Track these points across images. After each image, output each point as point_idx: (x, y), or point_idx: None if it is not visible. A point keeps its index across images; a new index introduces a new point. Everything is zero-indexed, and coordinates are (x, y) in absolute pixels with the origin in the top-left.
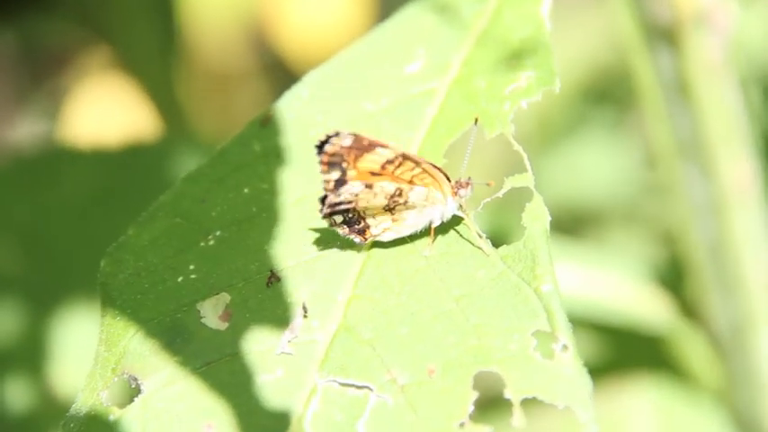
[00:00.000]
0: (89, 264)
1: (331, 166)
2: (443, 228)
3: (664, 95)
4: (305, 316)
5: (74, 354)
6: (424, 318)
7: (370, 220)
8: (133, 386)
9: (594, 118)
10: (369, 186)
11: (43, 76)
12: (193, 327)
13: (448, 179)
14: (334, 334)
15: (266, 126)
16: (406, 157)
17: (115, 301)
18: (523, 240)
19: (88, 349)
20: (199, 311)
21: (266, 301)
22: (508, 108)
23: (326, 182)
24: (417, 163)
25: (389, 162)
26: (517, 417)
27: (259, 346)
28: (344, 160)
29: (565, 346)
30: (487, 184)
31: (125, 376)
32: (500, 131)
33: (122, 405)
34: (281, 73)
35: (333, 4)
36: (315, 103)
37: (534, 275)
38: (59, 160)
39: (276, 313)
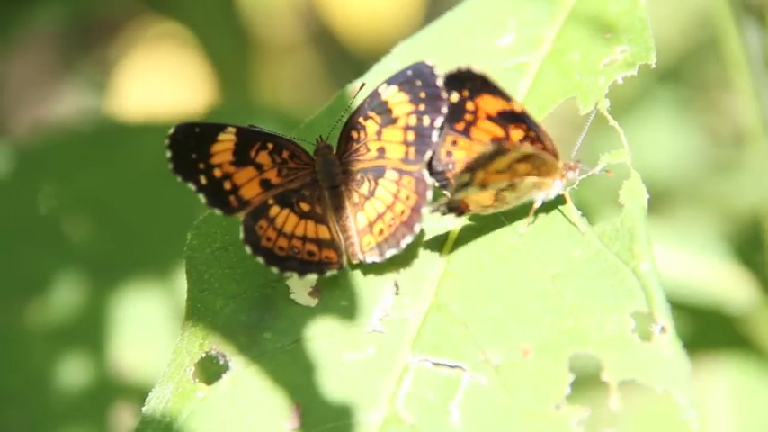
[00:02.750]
0: (158, 236)
1: (468, 169)
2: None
3: (751, 72)
4: (396, 293)
5: (135, 327)
6: (518, 297)
7: (472, 206)
8: (221, 362)
9: (663, 96)
10: (484, 186)
11: (91, 46)
12: (282, 303)
13: (557, 158)
14: (427, 312)
15: (356, 98)
16: (532, 157)
17: (202, 274)
18: (621, 218)
19: (150, 323)
20: (288, 287)
21: (357, 277)
22: (603, 82)
23: (456, 141)
24: (540, 156)
25: (517, 161)
26: (614, 400)
27: (350, 323)
28: (482, 168)
29: (663, 328)
30: (606, 172)
31: (213, 352)
32: (595, 106)
33: (208, 381)
34: (329, 43)
35: None
36: None
37: (632, 254)
38: (131, 132)
39: (367, 290)
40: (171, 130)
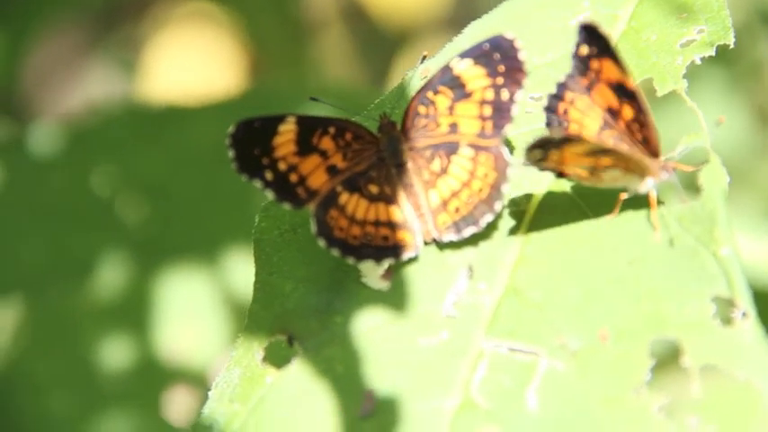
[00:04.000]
0: (209, 218)
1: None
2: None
3: None
4: (470, 277)
5: (184, 310)
6: (594, 281)
7: (566, 166)
8: (292, 346)
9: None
10: (560, 164)
11: (119, 26)
12: (353, 286)
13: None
14: (501, 296)
15: (425, 78)
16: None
17: (271, 257)
18: (701, 201)
19: (198, 306)
20: (359, 271)
21: (430, 261)
22: (680, 62)
23: (574, 100)
24: (642, 126)
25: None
26: (696, 386)
27: (423, 307)
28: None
29: (745, 314)
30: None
31: (282, 336)
32: (673, 87)
33: (277, 366)
34: (360, 21)
35: None
36: None
37: (712, 238)
38: (183, 113)
39: (440, 274)
40: (231, 129)
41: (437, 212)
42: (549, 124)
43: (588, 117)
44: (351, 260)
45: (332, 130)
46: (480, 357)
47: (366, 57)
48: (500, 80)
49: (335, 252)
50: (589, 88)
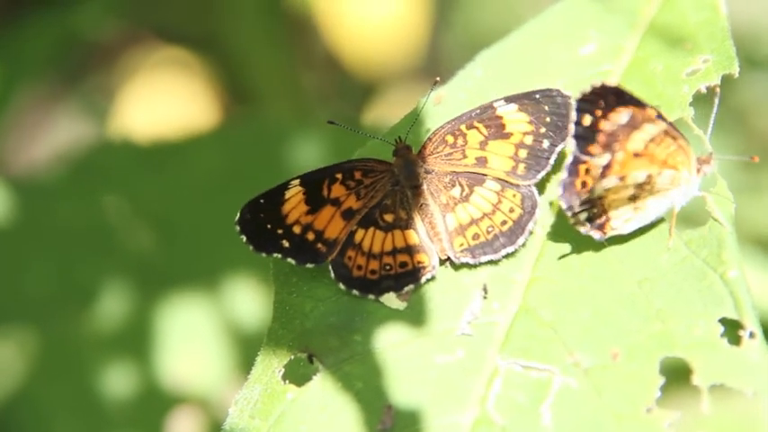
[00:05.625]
0: (211, 247)
1: (606, 147)
2: None
3: None
4: (485, 297)
5: (185, 338)
6: (605, 301)
7: (611, 213)
8: (312, 364)
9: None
10: (622, 179)
11: (89, 74)
12: (372, 306)
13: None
14: (515, 316)
15: (438, 105)
16: (667, 134)
17: (290, 278)
18: (708, 225)
19: (199, 334)
20: None
21: (445, 281)
22: (687, 91)
23: (590, 169)
24: (675, 138)
25: (652, 140)
26: (706, 403)
27: (439, 326)
28: (618, 141)
29: (752, 333)
30: (752, 159)
31: (303, 354)
32: (680, 115)
33: (298, 383)
34: (331, 68)
35: (391, 1)
36: (488, 82)
37: (720, 261)
38: (186, 145)
39: (455, 294)
40: (237, 216)
41: (454, 235)
42: (571, 207)
43: (599, 157)
44: (372, 296)
45: (339, 175)
46: (495, 374)
47: (337, 103)
48: (543, 130)
49: (356, 292)
50: (606, 146)
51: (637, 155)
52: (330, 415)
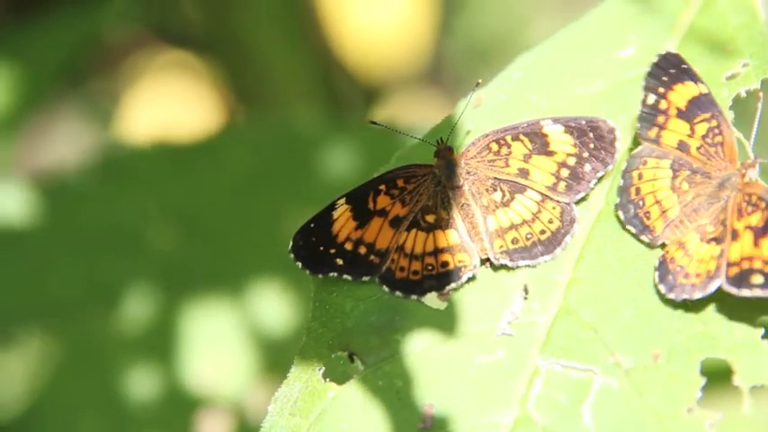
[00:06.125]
0: (239, 249)
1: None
2: None
3: None
4: (525, 297)
5: (209, 339)
6: (646, 302)
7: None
8: (352, 362)
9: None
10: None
11: (88, 76)
12: (412, 305)
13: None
14: (556, 316)
15: (478, 107)
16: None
17: (329, 277)
18: None
19: (223, 335)
20: None
21: (486, 281)
22: (726, 94)
23: (642, 176)
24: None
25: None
26: (747, 404)
27: (479, 326)
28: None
29: None
30: None
31: (343, 353)
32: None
33: (338, 381)
34: (336, 73)
35: (395, 6)
36: (527, 84)
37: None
38: (214, 145)
39: (495, 294)
40: (290, 244)
41: (494, 236)
42: (629, 219)
43: (659, 180)
44: (415, 297)
45: (382, 187)
46: (536, 375)
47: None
48: (586, 154)
49: (399, 293)
50: (657, 137)
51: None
52: (371, 413)
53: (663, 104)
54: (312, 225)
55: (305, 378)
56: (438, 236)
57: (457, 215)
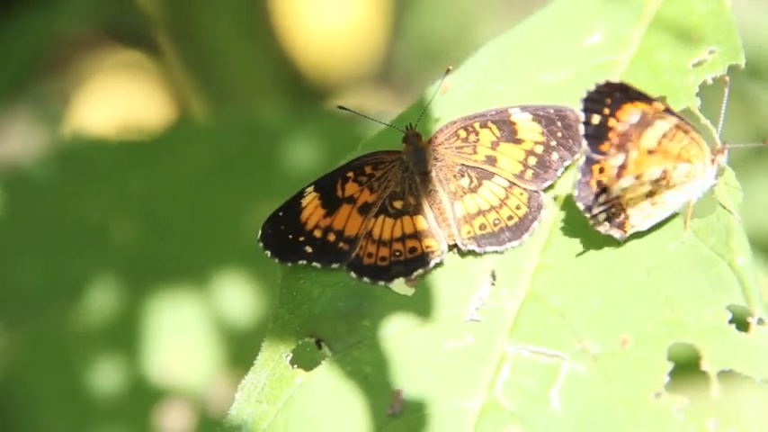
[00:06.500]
0: (200, 241)
1: (619, 148)
2: None
3: None
4: (493, 283)
5: (173, 331)
6: (613, 288)
7: (630, 210)
8: (320, 349)
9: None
10: (638, 177)
11: (38, 77)
12: (380, 291)
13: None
14: (523, 302)
15: (445, 94)
16: (679, 128)
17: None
18: (716, 213)
19: (187, 328)
20: None
21: (453, 267)
22: (693, 81)
23: (604, 169)
24: (686, 132)
25: (664, 136)
26: (715, 389)
27: (447, 312)
28: (631, 141)
29: (761, 320)
30: (764, 142)
31: (311, 339)
32: (686, 105)
33: (306, 368)
34: (291, 75)
35: (347, 7)
36: (494, 71)
37: (728, 248)
38: (175, 138)
39: (463, 280)
40: (259, 233)
41: (461, 222)
42: (589, 208)
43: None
44: (382, 282)
45: (350, 174)
46: (504, 360)
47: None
48: (553, 143)
49: (366, 279)
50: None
51: (651, 152)
52: (339, 399)
53: (612, 122)
54: (281, 213)
55: (272, 365)
56: (406, 222)
57: (424, 201)
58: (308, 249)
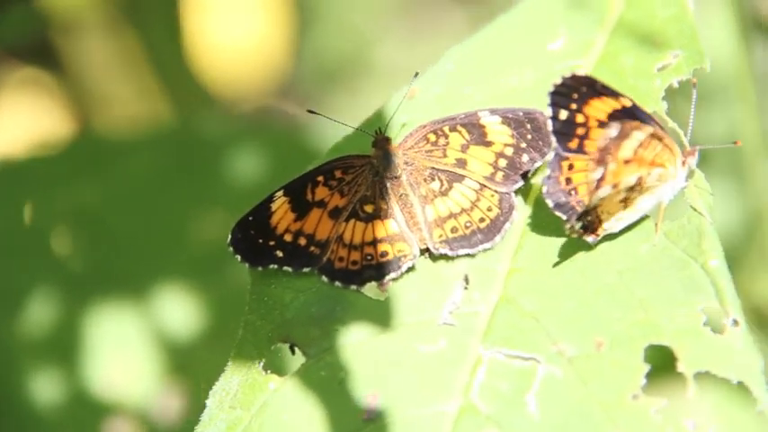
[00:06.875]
0: (142, 252)
1: (599, 162)
2: None
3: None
4: (466, 287)
5: (114, 343)
6: (586, 291)
7: (604, 216)
8: (293, 354)
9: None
10: (614, 186)
11: None
12: (353, 296)
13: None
14: (496, 305)
15: (412, 99)
16: (653, 136)
17: (268, 269)
18: (687, 216)
19: (127, 339)
20: None
21: (425, 272)
22: (659, 85)
23: (573, 166)
24: (660, 139)
25: (640, 145)
26: (692, 390)
27: (420, 316)
28: (610, 154)
29: (735, 321)
30: (734, 143)
31: (284, 344)
32: (653, 109)
33: (279, 373)
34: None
35: (251, 24)
36: (460, 76)
37: (701, 251)
38: (118, 146)
39: (435, 284)
40: (229, 237)
41: (432, 226)
42: (559, 205)
43: (591, 171)
44: (354, 287)
45: (320, 178)
46: (479, 364)
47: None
48: (523, 145)
49: (339, 283)
50: (580, 146)
51: (627, 161)
52: (313, 404)
53: (579, 118)
54: (250, 218)
55: (244, 371)
56: (377, 226)
57: (395, 205)
58: (279, 254)
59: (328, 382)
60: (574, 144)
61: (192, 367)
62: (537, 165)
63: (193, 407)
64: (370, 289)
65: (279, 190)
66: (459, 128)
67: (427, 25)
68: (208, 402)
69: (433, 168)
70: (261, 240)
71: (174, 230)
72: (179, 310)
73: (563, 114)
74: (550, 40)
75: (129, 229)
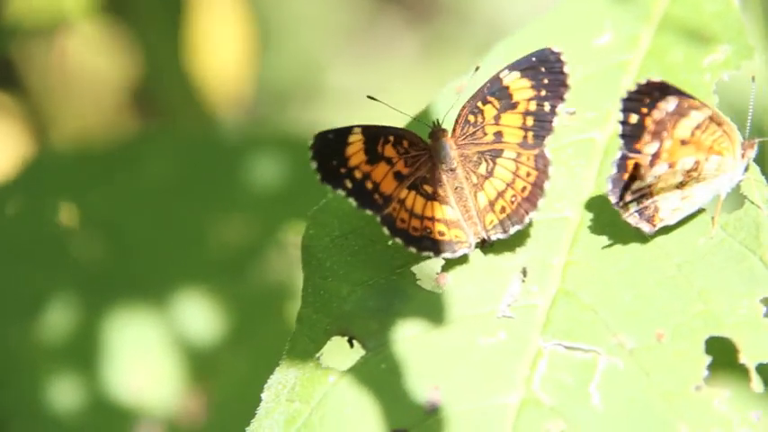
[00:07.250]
0: (162, 256)
1: (654, 136)
2: None
3: None
4: (523, 280)
5: (134, 348)
6: (644, 283)
7: (660, 203)
8: (352, 347)
9: None
10: (671, 165)
11: None
12: (411, 289)
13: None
14: (554, 298)
15: (460, 93)
16: (712, 119)
17: (323, 262)
18: (744, 209)
19: (148, 347)
20: (414, 274)
21: (482, 266)
22: (709, 79)
23: (638, 164)
24: (720, 124)
25: (698, 127)
26: (756, 382)
27: (478, 309)
28: (666, 129)
29: None
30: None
31: (342, 338)
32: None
33: (337, 366)
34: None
35: (210, 49)
36: None
37: (759, 243)
38: (140, 150)
39: (493, 277)
40: (311, 142)
41: (484, 213)
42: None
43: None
44: (413, 249)
45: (391, 138)
46: (539, 356)
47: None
48: (543, 92)
49: (399, 240)
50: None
51: (684, 142)
52: (375, 397)
53: (648, 122)
54: (330, 136)
55: (300, 364)
56: (435, 207)
57: (451, 197)
58: (348, 184)
59: (388, 375)
60: (641, 146)
61: (214, 371)
62: (559, 110)
63: (216, 410)
64: (427, 283)
65: (357, 126)
66: (489, 99)
67: (380, 49)
68: (263, 396)
69: (479, 152)
70: (334, 162)
71: (193, 235)
72: (200, 315)
73: (633, 118)
74: (596, 36)
75: (148, 234)
